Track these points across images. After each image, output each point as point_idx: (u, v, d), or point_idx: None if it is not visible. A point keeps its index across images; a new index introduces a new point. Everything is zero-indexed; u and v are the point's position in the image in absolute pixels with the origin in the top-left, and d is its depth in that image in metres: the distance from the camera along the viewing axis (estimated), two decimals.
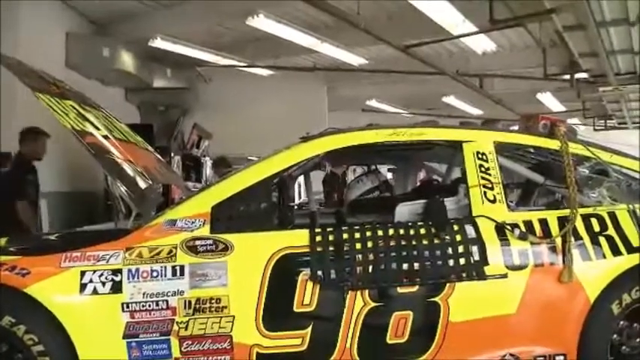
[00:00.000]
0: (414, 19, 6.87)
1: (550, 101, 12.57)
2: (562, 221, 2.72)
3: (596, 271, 2.67)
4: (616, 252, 2.69)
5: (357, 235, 2.54)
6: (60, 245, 2.70)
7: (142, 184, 3.04)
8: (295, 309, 2.47)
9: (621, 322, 2.77)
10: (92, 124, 3.26)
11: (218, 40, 8.82)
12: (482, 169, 2.81)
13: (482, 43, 8.09)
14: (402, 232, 2.57)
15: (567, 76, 8.96)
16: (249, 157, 6.48)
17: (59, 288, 2.43)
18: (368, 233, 2.55)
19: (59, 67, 7.28)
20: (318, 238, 2.52)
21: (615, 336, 2.77)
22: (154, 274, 2.46)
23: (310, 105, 11.41)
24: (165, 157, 8.15)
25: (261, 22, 7.05)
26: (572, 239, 2.66)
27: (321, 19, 7.71)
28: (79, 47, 7.71)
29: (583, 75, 8.80)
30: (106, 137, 3.34)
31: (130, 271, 2.46)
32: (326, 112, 12.31)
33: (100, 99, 3.70)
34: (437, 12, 6.25)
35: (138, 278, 2.45)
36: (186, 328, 2.43)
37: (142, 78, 9.17)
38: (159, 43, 8.22)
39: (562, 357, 2.63)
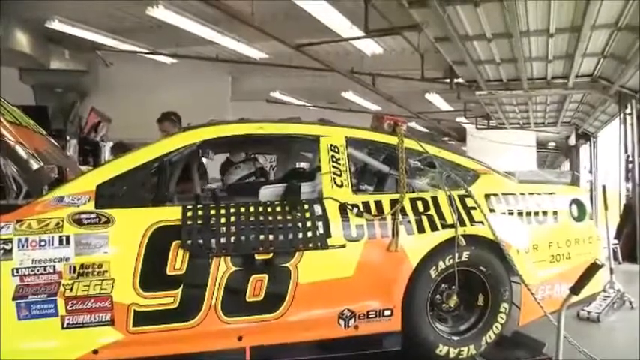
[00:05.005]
0: (308, 19, 7.40)
1: (438, 101, 13.70)
2: (394, 203, 3.38)
3: (418, 243, 3.35)
4: (434, 228, 3.40)
5: (222, 212, 3.05)
6: None
7: (34, 165, 3.32)
8: (168, 272, 2.93)
9: (442, 285, 3.49)
10: None
11: (119, 25, 8.86)
12: (334, 159, 3.41)
13: (370, 47, 8.86)
14: (260, 209, 3.11)
15: (448, 80, 9.97)
16: (149, 143, 6.69)
17: None
18: (232, 210, 3.07)
19: None
20: (189, 214, 3.00)
21: (437, 296, 3.50)
22: (42, 243, 2.82)
23: (213, 94, 11.67)
24: (61, 141, 8.17)
25: (161, 13, 7.26)
26: (400, 217, 3.33)
27: (222, 13, 8.01)
28: None
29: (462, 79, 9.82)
30: None
31: (20, 240, 2.80)
32: (228, 101, 12.62)
33: None
34: (325, 15, 6.81)
35: (27, 247, 2.80)
36: (71, 290, 2.82)
37: (38, 58, 9.03)
38: (57, 25, 8.16)
39: (389, 311, 3.29)
